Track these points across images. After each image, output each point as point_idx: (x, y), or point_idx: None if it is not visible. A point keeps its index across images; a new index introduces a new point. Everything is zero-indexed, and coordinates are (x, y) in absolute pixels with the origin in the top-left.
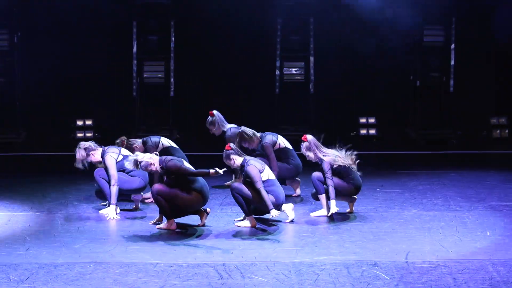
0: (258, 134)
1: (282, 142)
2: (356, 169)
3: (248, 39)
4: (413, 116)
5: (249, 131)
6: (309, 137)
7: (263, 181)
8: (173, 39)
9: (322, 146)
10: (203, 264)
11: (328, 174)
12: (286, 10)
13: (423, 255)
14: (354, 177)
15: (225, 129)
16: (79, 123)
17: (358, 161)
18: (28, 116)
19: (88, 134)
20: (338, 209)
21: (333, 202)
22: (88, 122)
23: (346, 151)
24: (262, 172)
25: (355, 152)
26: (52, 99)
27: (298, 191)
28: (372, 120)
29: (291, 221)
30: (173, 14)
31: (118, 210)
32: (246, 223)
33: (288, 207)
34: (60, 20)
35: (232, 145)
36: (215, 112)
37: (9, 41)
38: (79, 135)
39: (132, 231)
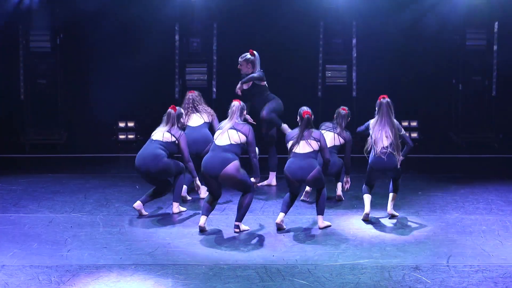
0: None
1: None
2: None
3: (291, 42)
4: (455, 119)
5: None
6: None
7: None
8: (215, 41)
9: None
10: (244, 266)
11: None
12: (329, 13)
13: (464, 259)
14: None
15: (256, 71)
16: (121, 124)
17: None
18: (70, 118)
19: (130, 136)
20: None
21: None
22: (130, 124)
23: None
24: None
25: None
26: (94, 101)
27: (339, 192)
28: (414, 124)
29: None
30: (216, 16)
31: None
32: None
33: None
34: (101, 22)
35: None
36: (255, 52)
37: (51, 43)
38: (121, 136)
39: (173, 233)
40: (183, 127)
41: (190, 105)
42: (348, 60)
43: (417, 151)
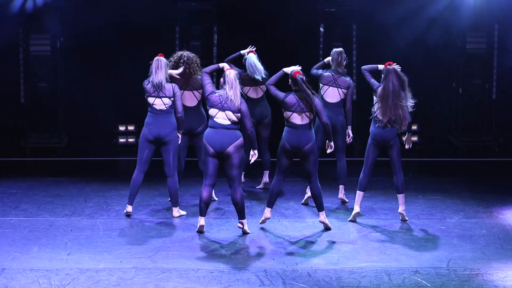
0: None
1: None
2: None
3: (291, 46)
4: (455, 123)
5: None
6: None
7: None
8: (215, 44)
9: None
10: (244, 270)
11: None
12: (329, 16)
13: (464, 262)
14: None
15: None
16: (121, 128)
17: None
18: (70, 121)
19: (130, 140)
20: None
21: None
22: (130, 128)
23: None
24: None
25: None
26: (94, 104)
27: (341, 195)
28: (414, 127)
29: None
30: (216, 19)
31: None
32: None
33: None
34: (102, 25)
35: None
36: (252, 55)
37: (52, 46)
38: (121, 140)
39: (173, 237)
40: (171, 78)
41: (179, 62)
42: (348, 64)
43: (418, 154)
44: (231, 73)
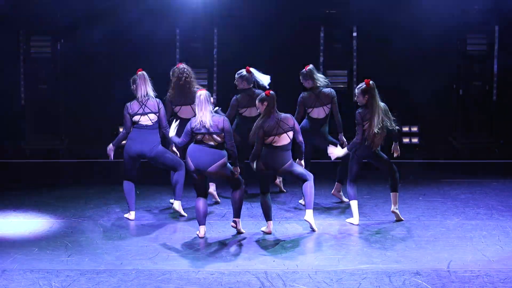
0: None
1: None
2: None
3: (291, 47)
4: (455, 124)
5: None
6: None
7: None
8: (216, 46)
9: None
10: (245, 272)
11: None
12: (329, 18)
13: (465, 264)
14: None
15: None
16: (122, 130)
17: None
18: (70, 123)
19: None
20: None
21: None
22: None
23: None
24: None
25: None
26: (94, 106)
27: (342, 195)
28: (414, 129)
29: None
30: (216, 22)
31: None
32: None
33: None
34: (102, 28)
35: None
36: (252, 69)
37: (52, 48)
38: (122, 142)
39: (174, 238)
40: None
41: (183, 77)
42: (348, 65)
43: (418, 156)
44: (201, 95)
